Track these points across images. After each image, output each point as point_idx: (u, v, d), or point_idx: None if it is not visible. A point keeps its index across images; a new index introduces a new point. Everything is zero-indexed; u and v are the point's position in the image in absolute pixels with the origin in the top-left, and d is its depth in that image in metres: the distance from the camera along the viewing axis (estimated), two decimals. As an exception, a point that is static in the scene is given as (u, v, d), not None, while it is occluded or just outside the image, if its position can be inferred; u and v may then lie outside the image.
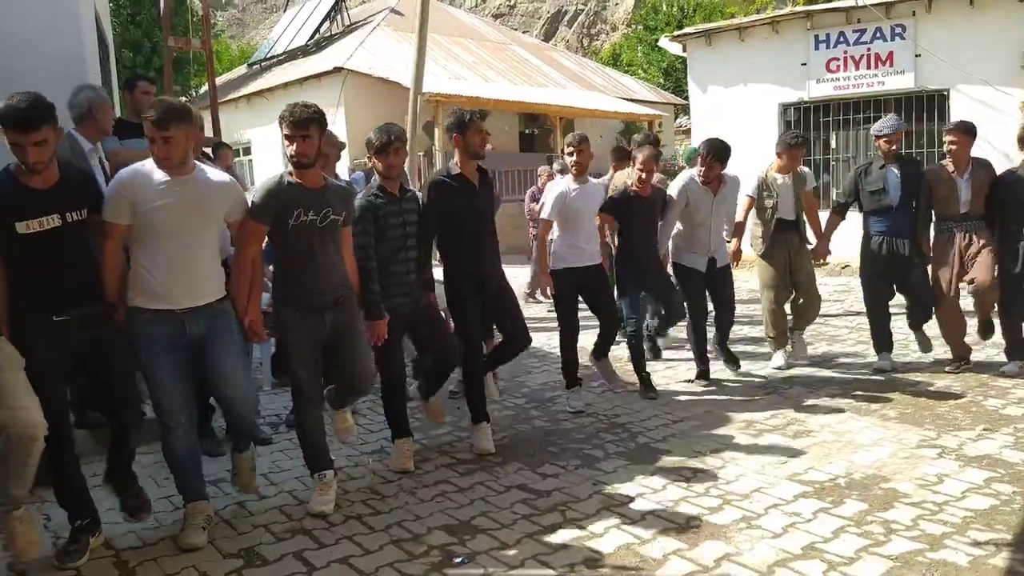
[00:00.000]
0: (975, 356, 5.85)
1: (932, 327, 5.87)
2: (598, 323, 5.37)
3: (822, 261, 6.13)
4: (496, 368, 5.27)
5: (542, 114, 18.80)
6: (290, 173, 3.57)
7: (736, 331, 6.87)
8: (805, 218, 6.00)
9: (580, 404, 5.21)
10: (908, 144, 10.74)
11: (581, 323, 5.27)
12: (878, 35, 11.51)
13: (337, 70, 16.84)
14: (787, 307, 6.06)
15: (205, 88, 15.58)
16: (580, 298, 5.22)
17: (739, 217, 5.90)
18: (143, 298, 3.27)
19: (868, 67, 11.62)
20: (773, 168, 5.87)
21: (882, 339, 5.91)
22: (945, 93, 11.03)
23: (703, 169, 5.47)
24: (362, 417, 5.24)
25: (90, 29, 6.12)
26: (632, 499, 3.74)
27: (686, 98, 15.52)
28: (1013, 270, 5.37)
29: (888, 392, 5.33)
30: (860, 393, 5.34)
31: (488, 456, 4.40)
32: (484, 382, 4.72)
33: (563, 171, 5.48)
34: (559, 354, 5.27)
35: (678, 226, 5.66)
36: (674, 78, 26.72)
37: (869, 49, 11.59)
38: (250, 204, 3.53)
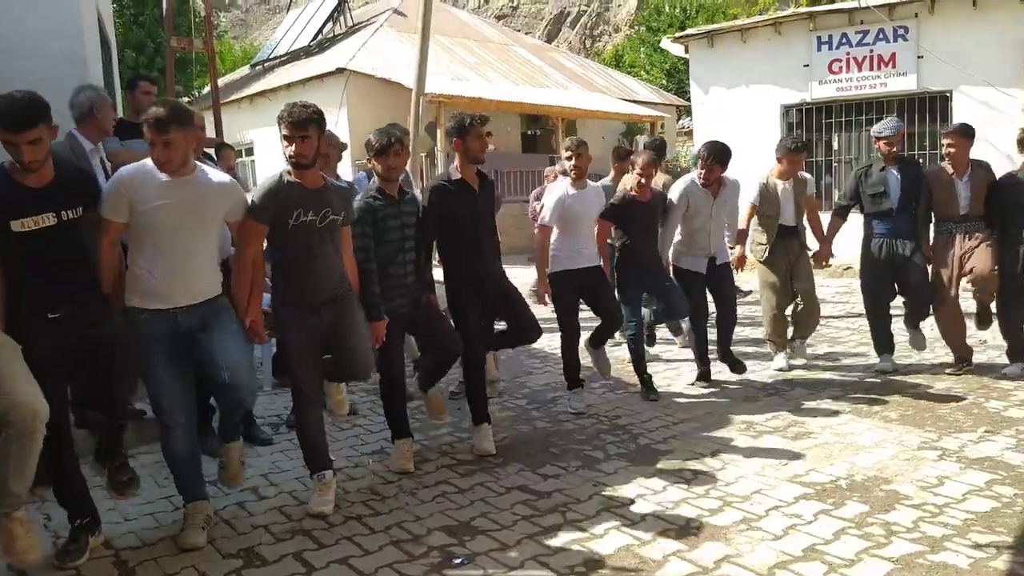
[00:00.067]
0: (977, 358, 5.84)
1: (930, 329, 5.87)
2: (600, 321, 5.36)
3: (825, 264, 6.13)
4: (501, 348, 5.22)
5: (544, 115, 18.81)
6: (289, 173, 3.57)
7: (737, 331, 6.86)
8: (807, 223, 6.00)
9: (581, 405, 5.21)
10: (910, 146, 10.74)
11: (582, 323, 5.26)
12: (880, 36, 11.50)
13: (340, 71, 16.86)
14: (788, 311, 6.05)
15: (208, 89, 15.60)
16: (581, 299, 5.22)
17: (741, 224, 5.90)
18: (141, 298, 3.27)
19: (870, 68, 11.60)
20: (773, 174, 5.86)
21: (883, 341, 5.90)
22: (948, 95, 11.01)
23: (703, 171, 5.46)
24: (362, 418, 5.26)
25: (92, 30, 6.12)
26: (632, 500, 3.74)
27: (688, 99, 15.52)
28: (1015, 270, 5.35)
29: (889, 394, 5.32)
30: (861, 395, 5.34)
31: (489, 457, 4.40)
32: (486, 370, 4.70)
33: (565, 173, 5.47)
34: (560, 355, 5.26)
35: (677, 230, 5.65)
36: (677, 79, 26.70)
37: (871, 50, 11.58)
38: (250, 204, 3.53)
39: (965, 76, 10.70)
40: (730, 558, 3.14)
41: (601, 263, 5.35)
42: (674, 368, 6.30)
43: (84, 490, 3.37)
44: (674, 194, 5.58)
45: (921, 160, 9.72)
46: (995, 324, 5.67)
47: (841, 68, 11.83)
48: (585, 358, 5.35)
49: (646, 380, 5.50)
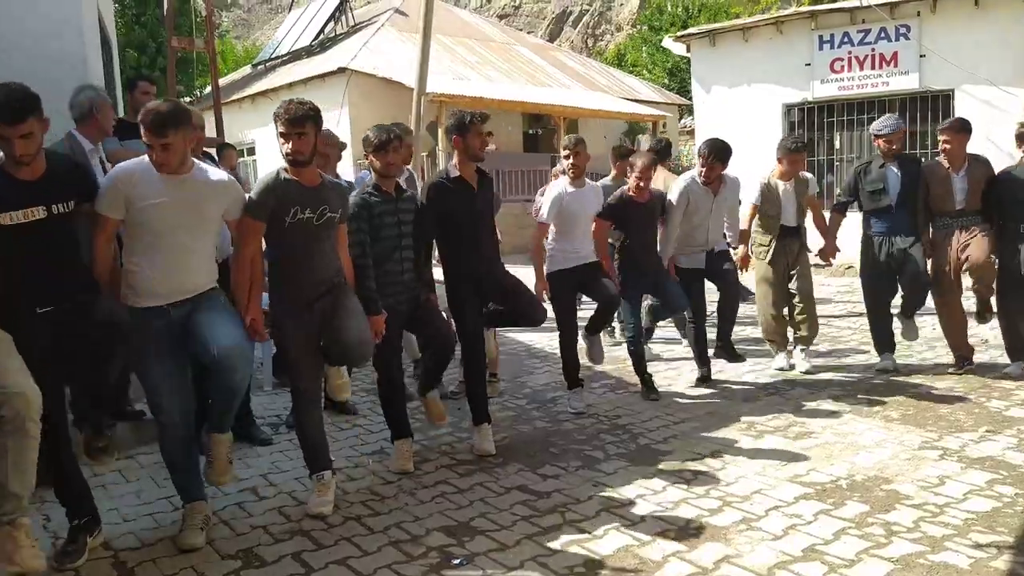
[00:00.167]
0: (978, 357, 5.83)
1: (932, 328, 5.85)
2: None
3: (831, 259, 6.08)
4: (501, 325, 5.13)
5: (546, 114, 18.81)
6: (286, 170, 3.55)
7: (738, 331, 6.85)
8: (812, 224, 5.98)
9: (581, 405, 5.20)
10: (912, 145, 10.71)
11: (581, 324, 5.26)
12: (882, 35, 11.48)
13: (341, 70, 16.86)
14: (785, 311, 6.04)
15: (209, 88, 15.59)
16: (581, 293, 5.20)
17: (743, 225, 5.89)
18: (136, 297, 3.26)
19: (872, 67, 11.58)
20: (775, 174, 5.85)
21: (884, 340, 5.89)
22: (950, 93, 10.99)
23: (704, 170, 5.45)
24: (362, 418, 5.25)
25: (92, 29, 6.12)
26: (632, 501, 3.73)
27: (691, 98, 15.50)
28: (1013, 265, 5.33)
29: (890, 393, 5.30)
30: (862, 394, 5.32)
31: (488, 457, 4.39)
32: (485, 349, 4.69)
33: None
34: (560, 355, 5.25)
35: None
36: (679, 78, 26.70)
37: (873, 49, 11.56)
38: (247, 201, 3.51)
39: (967, 75, 10.68)
40: (730, 558, 3.14)
41: (596, 259, 5.29)
42: (674, 368, 6.29)
43: (84, 489, 3.36)
44: (673, 193, 5.56)
45: (923, 159, 9.68)
46: (995, 323, 5.65)
47: (843, 67, 11.81)
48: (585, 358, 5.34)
49: (646, 380, 5.49)
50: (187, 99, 19.37)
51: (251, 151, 19.38)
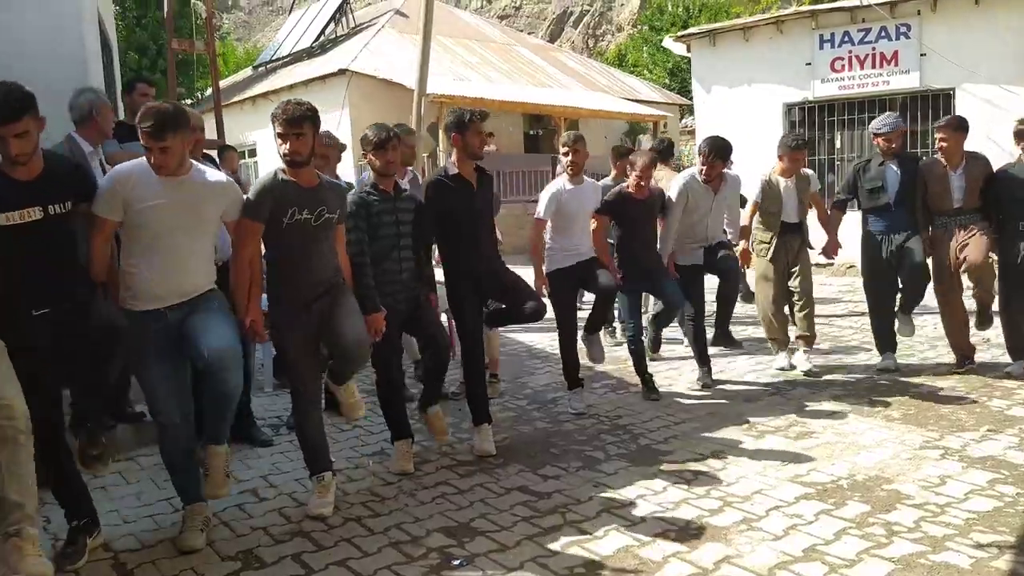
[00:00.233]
0: (979, 357, 5.81)
1: (933, 328, 5.84)
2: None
3: (834, 256, 6.06)
4: (502, 324, 5.08)
5: (546, 115, 18.81)
6: (284, 171, 3.54)
7: (738, 332, 6.85)
8: (816, 220, 5.97)
9: (582, 405, 5.19)
10: (913, 144, 10.68)
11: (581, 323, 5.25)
12: (883, 34, 11.47)
13: (342, 72, 16.88)
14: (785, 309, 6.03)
15: (210, 90, 15.61)
16: (582, 295, 5.20)
17: (744, 221, 5.88)
18: (133, 299, 3.26)
19: (873, 67, 11.57)
20: (776, 172, 5.84)
21: (885, 339, 5.88)
22: (951, 92, 10.97)
23: (705, 168, 5.44)
24: (362, 419, 5.23)
25: (92, 31, 6.12)
26: (633, 501, 3.72)
27: (691, 98, 15.49)
28: (1015, 263, 5.32)
29: (891, 393, 5.30)
30: (863, 394, 5.31)
31: (489, 458, 4.39)
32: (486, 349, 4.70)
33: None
34: (560, 355, 5.24)
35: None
36: (680, 78, 26.71)
37: (874, 48, 11.55)
38: (245, 202, 3.50)
39: (968, 74, 10.66)
40: (730, 559, 3.13)
41: (594, 256, 5.26)
42: (675, 368, 6.28)
43: (83, 490, 3.35)
44: (673, 191, 5.54)
45: (924, 157, 9.67)
46: (997, 322, 5.64)
47: (843, 66, 11.79)
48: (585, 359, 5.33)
49: (647, 380, 5.49)
50: (188, 101, 19.41)
51: (252, 153, 19.38)
